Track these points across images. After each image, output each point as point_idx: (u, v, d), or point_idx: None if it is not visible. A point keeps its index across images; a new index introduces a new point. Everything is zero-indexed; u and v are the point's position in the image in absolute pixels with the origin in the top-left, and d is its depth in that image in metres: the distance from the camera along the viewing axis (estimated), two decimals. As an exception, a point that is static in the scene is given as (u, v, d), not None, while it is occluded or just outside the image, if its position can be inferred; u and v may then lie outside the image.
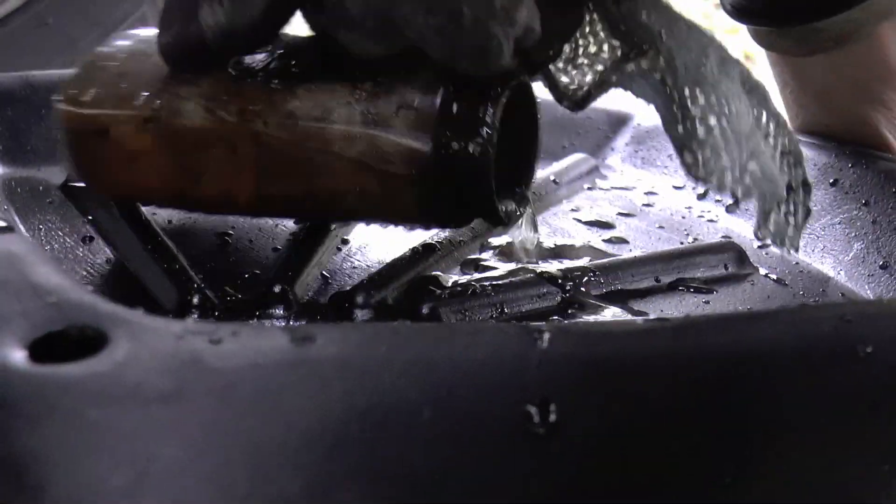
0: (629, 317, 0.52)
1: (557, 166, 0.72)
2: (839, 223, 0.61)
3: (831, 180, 0.63)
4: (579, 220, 0.65)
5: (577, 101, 0.58)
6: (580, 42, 0.59)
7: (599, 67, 0.58)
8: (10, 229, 0.43)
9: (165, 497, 0.28)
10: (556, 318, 0.51)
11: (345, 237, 0.59)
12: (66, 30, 1.15)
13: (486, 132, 0.48)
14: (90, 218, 0.59)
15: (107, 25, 1.12)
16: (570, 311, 0.52)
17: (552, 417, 0.32)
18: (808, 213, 0.56)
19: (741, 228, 0.67)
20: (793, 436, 0.34)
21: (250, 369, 0.31)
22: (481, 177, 0.48)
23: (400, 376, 0.32)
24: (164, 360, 0.30)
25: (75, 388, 0.29)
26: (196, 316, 0.49)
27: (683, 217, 0.68)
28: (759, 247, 0.63)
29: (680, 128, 0.54)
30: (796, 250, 0.57)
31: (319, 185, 0.50)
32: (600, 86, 0.58)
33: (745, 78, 0.56)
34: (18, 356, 0.30)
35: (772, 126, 0.56)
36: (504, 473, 0.32)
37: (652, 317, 0.35)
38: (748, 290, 0.57)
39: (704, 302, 0.55)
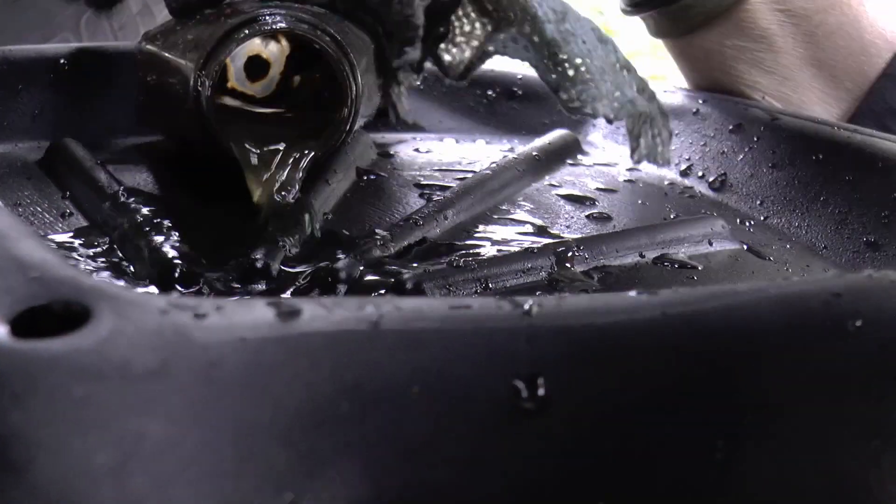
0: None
1: (539, 142, 0.72)
2: (823, 199, 0.61)
3: (815, 156, 0.63)
4: (561, 196, 0.65)
5: (460, 73, 0.72)
6: (455, 24, 0.71)
7: (475, 43, 0.70)
8: (-10, 204, 0.43)
9: (152, 475, 0.28)
10: (541, 293, 0.51)
11: (326, 211, 0.59)
12: (42, 5, 1.14)
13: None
14: (69, 194, 0.59)
15: (82, 1, 1.12)
16: (555, 286, 0.52)
17: (541, 392, 0.32)
18: (670, 134, 0.69)
19: (724, 204, 0.67)
20: (783, 411, 0.33)
21: (236, 344, 0.30)
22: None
23: (388, 352, 0.31)
24: (148, 336, 0.30)
25: (59, 363, 0.28)
26: (179, 290, 0.49)
27: (666, 193, 0.68)
28: (631, 169, 0.72)
29: (553, 75, 0.67)
30: (668, 164, 0.70)
31: None
32: (480, 57, 0.71)
33: (598, 33, 0.68)
34: (1, 331, 0.29)
35: (625, 71, 0.68)
36: (493, 449, 0.32)
37: (640, 291, 0.35)
38: (732, 265, 0.57)
39: (689, 277, 0.55)
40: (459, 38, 0.72)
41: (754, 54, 0.79)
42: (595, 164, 0.73)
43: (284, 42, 0.65)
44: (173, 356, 0.29)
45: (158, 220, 0.54)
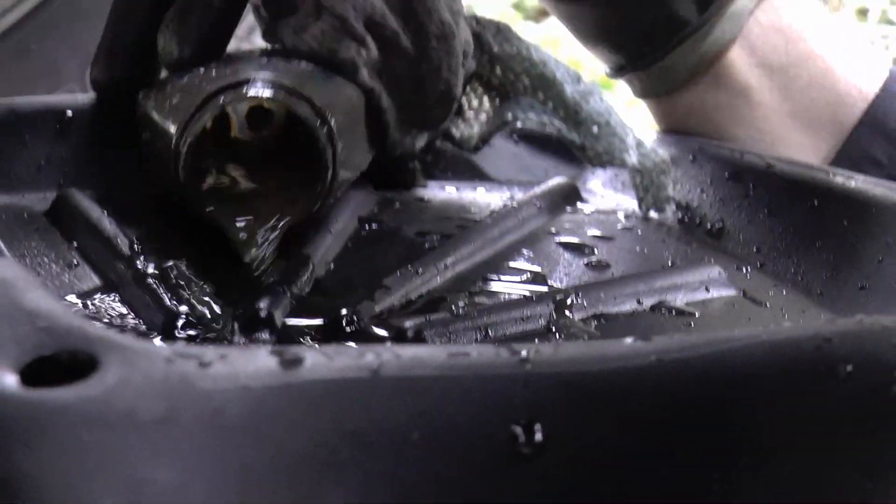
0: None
1: (538, 190, 0.73)
2: (818, 245, 0.62)
3: (811, 202, 0.64)
4: (560, 244, 0.65)
5: (474, 146, 0.75)
6: (464, 101, 0.74)
7: (483, 117, 0.73)
8: (-1, 254, 0.44)
9: (158, 520, 0.28)
10: (539, 340, 0.52)
11: (328, 260, 0.60)
12: (49, 56, 1.15)
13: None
14: (76, 244, 0.60)
15: (89, 51, 1.12)
16: (554, 334, 0.52)
17: (538, 437, 0.32)
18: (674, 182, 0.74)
19: (721, 251, 0.67)
20: (777, 455, 0.34)
21: (240, 392, 0.31)
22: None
23: (388, 398, 0.32)
24: (154, 384, 0.30)
25: (67, 411, 0.29)
26: (184, 339, 0.50)
27: (664, 240, 0.69)
28: (630, 216, 0.74)
29: (577, 134, 0.72)
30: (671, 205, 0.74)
31: None
32: (494, 129, 0.74)
33: (598, 91, 0.73)
34: (10, 380, 0.30)
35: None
36: (492, 493, 0.32)
37: (635, 338, 0.36)
38: (729, 311, 0.58)
39: (686, 324, 0.56)
40: (468, 113, 0.75)
41: (734, 109, 0.82)
42: (594, 211, 0.74)
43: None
44: (178, 404, 0.30)
45: (164, 270, 0.54)
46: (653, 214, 0.73)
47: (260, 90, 0.59)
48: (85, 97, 0.72)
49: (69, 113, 0.70)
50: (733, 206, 0.69)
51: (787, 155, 0.78)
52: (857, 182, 0.62)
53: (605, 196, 0.78)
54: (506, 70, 0.72)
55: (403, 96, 0.67)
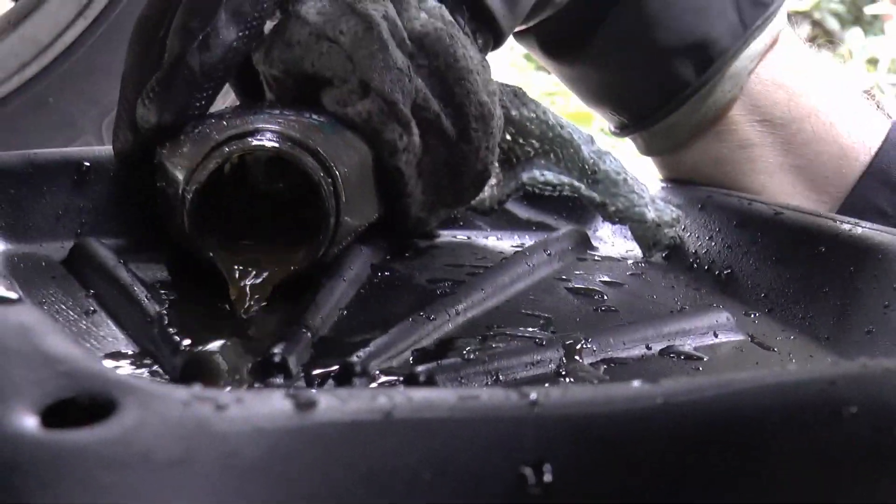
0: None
1: (549, 238, 0.74)
2: (826, 291, 0.63)
3: (818, 249, 0.64)
4: (569, 290, 0.66)
5: (487, 209, 0.76)
6: None
7: (493, 181, 0.74)
8: (20, 301, 0.44)
9: (175, 559, 0.29)
10: (549, 384, 0.52)
11: (341, 307, 0.61)
12: (66, 109, 1.17)
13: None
14: (92, 292, 0.61)
15: (105, 104, 1.14)
16: (564, 378, 0.53)
17: (547, 478, 0.33)
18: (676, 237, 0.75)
19: (729, 298, 0.68)
20: (783, 494, 0.35)
21: (255, 434, 0.32)
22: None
23: (400, 441, 0.33)
24: (171, 427, 0.31)
25: (86, 453, 0.30)
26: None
27: (672, 286, 0.70)
28: (638, 262, 0.75)
29: (595, 193, 0.74)
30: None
31: None
32: (509, 193, 0.75)
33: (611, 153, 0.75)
34: (31, 422, 0.31)
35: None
36: (502, 534, 0.33)
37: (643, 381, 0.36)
38: (737, 356, 0.58)
39: (694, 368, 0.56)
40: None
41: (737, 164, 0.83)
42: (603, 258, 0.74)
43: None
44: (195, 446, 0.31)
45: (179, 316, 0.55)
46: (660, 260, 0.74)
47: (265, 141, 0.61)
48: (101, 149, 0.73)
49: (86, 164, 0.71)
50: (741, 252, 0.70)
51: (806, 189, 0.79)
52: (863, 229, 0.63)
53: (615, 243, 0.79)
54: (522, 133, 0.73)
55: (439, 180, 0.68)
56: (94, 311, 0.59)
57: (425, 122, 0.66)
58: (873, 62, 3.06)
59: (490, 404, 0.34)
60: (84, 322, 0.57)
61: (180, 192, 0.60)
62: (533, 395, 0.34)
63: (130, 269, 0.62)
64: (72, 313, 0.58)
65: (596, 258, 0.74)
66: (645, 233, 0.74)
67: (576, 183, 0.73)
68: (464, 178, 0.69)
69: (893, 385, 0.36)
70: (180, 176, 0.61)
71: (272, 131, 0.61)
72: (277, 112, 0.64)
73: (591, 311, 0.63)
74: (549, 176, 0.73)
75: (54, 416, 0.31)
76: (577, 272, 0.70)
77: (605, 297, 0.65)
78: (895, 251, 0.59)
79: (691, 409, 0.35)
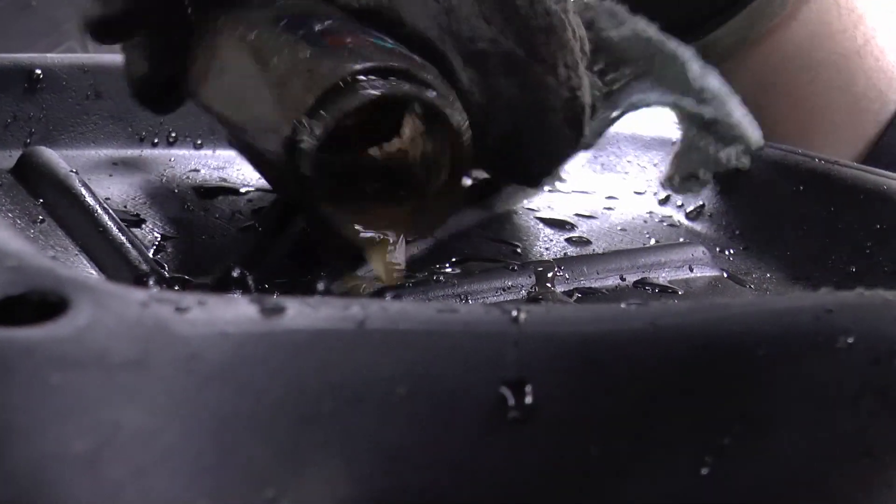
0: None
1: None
2: (805, 229, 0.61)
3: (796, 187, 0.63)
4: (540, 219, 0.64)
5: (587, 145, 0.61)
6: None
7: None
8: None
9: (129, 465, 0.27)
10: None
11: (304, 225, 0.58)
12: (50, 13, 1.14)
13: None
14: (41, 201, 0.58)
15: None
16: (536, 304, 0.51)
17: (528, 399, 0.31)
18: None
19: (702, 233, 0.66)
20: (772, 425, 0.33)
21: (218, 338, 0.29)
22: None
23: (374, 352, 0.31)
24: (128, 327, 0.29)
25: (36, 352, 0.27)
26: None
27: (645, 221, 0.68)
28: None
29: (705, 110, 0.62)
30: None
31: None
32: (611, 122, 0.63)
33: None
34: (-24, 320, 0.28)
35: None
36: (478, 455, 0.31)
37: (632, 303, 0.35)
38: (713, 291, 0.57)
39: (669, 301, 0.54)
40: None
41: (771, 88, 0.79)
42: (573, 191, 0.72)
43: None
44: (153, 348, 0.28)
45: (139, 222, 0.53)
46: (633, 197, 0.72)
47: (425, 91, 0.49)
48: (55, 57, 0.71)
49: (38, 72, 0.69)
50: (716, 188, 0.68)
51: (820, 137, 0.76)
52: (844, 168, 0.61)
53: (585, 177, 0.77)
54: (621, 56, 0.62)
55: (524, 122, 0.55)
56: (43, 221, 0.56)
57: (480, 55, 0.53)
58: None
59: (469, 319, 0.32)
60: (32, 231, 0.55)
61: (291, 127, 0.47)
62: (514, 312, 0.32)
63: (83, 180, 0.59)
64: (19, 222, 0.55)
65: (565, 191, 0.72)
66: (736, 157, 0.65)
67: (683, 100, 0.64)
68: (551, 113, 0.54)
69: (892, 317, 0.34)
70: (282, 108, 0.48)
71: (413, 73, 0.49)
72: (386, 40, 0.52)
73: (563, 241, 0.61)
74: (654, 97, 0.65)
75: (2, 313, 0.29)
76: (547, 203, 0.68)
77: (577, 228, 0.64)
78: (877, 191, 0.58)
79: (681, 333, 0.33)
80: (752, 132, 0.63)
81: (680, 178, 0.65)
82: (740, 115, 0.63)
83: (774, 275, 0.60)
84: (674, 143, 0.71)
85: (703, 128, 0.63)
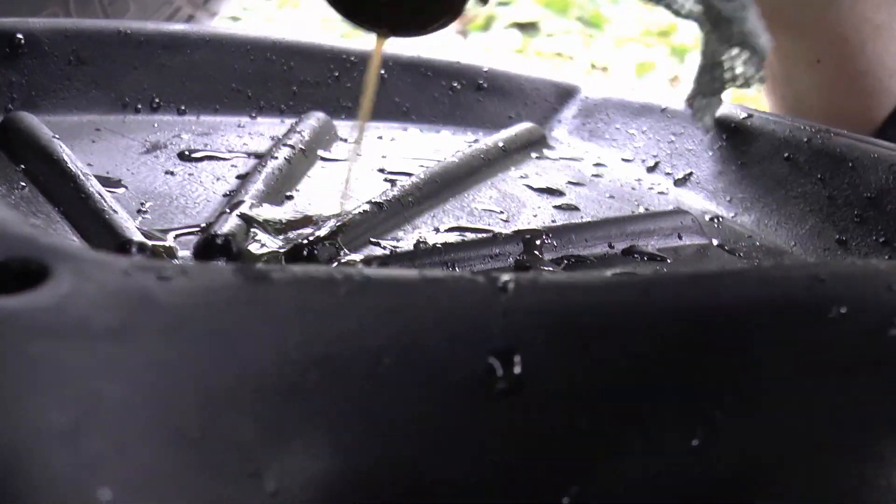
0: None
1: (504, 134, 0.71)
2: (794, 198, 0.60)
3: (786, 155, 0.62)
4: (529, 187, 0.64)
5: None
6: None
7: None
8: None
9: (110, 437, 0.26)
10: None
11: (288, 193, 0.58)
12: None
13: None
14: (23, 167, 0.57)
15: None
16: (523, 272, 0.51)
17: (517, 370, 0.31)
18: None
19: (691, 201, 0.66)
20: (763, 397, 0.32)
21: (202, 307, 0.29)
22: None
23: (360, 322, 0.30)
24: (110, 295, 0.28)
25: (14, 320, 0.27)
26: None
27: (633, 188, 0.67)
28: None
29: (722, 10, 0.60)
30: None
31: None
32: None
33: None
34: (-46, 287, 0.28)
35: None
36: (466, 426, 0.30)
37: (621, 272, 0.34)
38: (701, 258, 0.56)
39: (658, 269, 0.54)
40: None
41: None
42: (561, 158, 0.72)
43: None
44: (135, 316, 0.28)
45: (120, 186, 0.52)
46: (622, 165, 0.71)
47: None
48: (37, 21, 0.70)
49: (19, 36, 0.68)
50: (706, 156, 0.68)
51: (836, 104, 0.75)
52: (835, 136, 0.61)
53: (572, 144, 0.76)
54: None
55: None
56: (24, 187, 0.55)
57: None
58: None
59: (456, 287, 0.32)
60: (13, 197, 0.54)
61: None
62: (503, 280, 0.32)
63: (65, 146, 0.58)
64: (0, 188, 0.55)
65: (553, 157, 0.71)
66: (746, 70, 0.63)
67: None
68: None
69: (885, 287, 0.34)
70: None
71: None
72: None
73: (551, 208, 0.61)
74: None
75: (-20, 281, 0.29)
76: (535, 170, 0.67)
77: (565, 195, 0.63)
78: (867, 160, 0.57)
79: (672, 302, 0.33)
80: (762, 41, 0.62)
81: (702, 97, 0.64)
82: (755, 21, 0.61)
83: (763, 243, 0.59)
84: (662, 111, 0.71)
85: (716, 26, 0.62)
